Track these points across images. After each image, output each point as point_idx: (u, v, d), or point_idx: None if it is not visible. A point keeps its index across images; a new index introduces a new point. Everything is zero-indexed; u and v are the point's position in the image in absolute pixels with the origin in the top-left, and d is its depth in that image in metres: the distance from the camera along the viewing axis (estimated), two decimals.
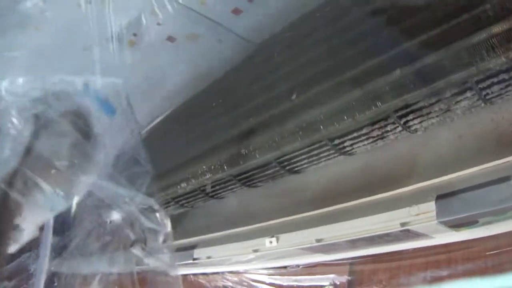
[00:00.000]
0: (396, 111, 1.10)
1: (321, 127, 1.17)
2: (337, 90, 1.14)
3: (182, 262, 1.73)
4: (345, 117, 1.13)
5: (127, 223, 1.36)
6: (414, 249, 1.35)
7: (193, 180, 1.53)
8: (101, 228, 1.66)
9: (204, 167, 1.48)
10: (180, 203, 1.71)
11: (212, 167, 1.45)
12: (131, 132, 1.31)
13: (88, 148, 1.21)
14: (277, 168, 1.38)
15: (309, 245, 1.37)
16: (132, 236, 1.55)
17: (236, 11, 1.67)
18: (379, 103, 1.06)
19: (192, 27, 1.73)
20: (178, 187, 1.59)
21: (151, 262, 1.68)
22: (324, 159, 1.32)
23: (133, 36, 1.76)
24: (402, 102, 1.05)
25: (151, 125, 1.85)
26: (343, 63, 1.16)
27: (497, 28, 0.91)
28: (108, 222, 1.55)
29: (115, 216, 1.50)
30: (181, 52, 1.81)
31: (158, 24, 1.71)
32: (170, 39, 1.78)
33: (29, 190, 1.04)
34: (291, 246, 1.40)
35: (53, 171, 1.10)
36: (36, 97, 1.15)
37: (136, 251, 1.71)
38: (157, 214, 1.30)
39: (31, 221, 1.07)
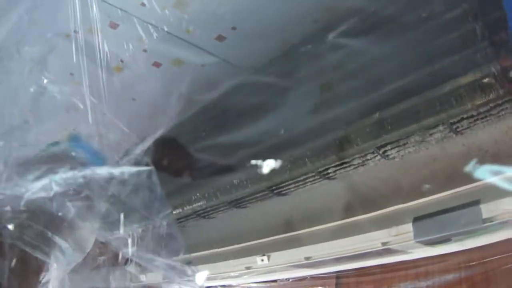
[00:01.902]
0: None
1: (308, 161, 1.27)
2: (322, 128, 1.25)
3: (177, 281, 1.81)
4: (329, 154, 1.23)
5: None
6: (395, 262, 1.46)
7: (187, 206, 1.62)
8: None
9: (198, 194, 1.57)
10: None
11: (206, 194, 1.55)
12: None
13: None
14: (266, 192, 1.48)
15: (298, 263, 1.48)
16: None
17: (220, 38, 1.75)
18: (360, 142, 1.17)
19: (177, 53, 1.81)
20: (172, 212, 1.68)
21: (145, 279, 1.77)
22: (309, 183, 1.42)
23: (120, 62, 1.83)
24: (380, 141, 1.15)
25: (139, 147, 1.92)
26: (327, 103, 1.26)
27: (464, 79, 1.02)
28: None
29: None
30: (166, 76, 1.88)
31: (144, 50, 1.78)
32: (156, 64, 1.85)
33: (50, 249, 1.13)
34: (282, 264, 1.51)
35: (71, 230, 1.20)
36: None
37: (131, 268, 1.80)
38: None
39: (53, 276, 1.15)
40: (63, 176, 1.36)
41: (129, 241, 1.61)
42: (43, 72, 1.48)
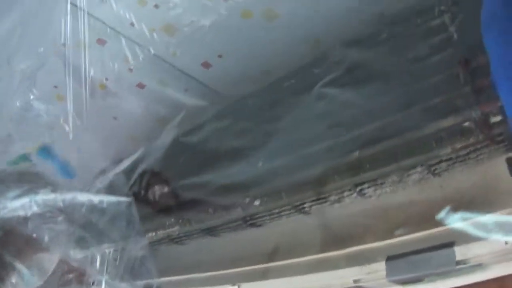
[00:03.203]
0: None
1: (284, 195, 1.28)
2: (300, 164, 1.25)
3: None
4: (306, 189, 1.24)
5: None
6: None
7: (160, 231, 1.61)
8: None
9: (172, 219, 1.56)
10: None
11: (180, 220, 1.54)
12: None
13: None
14: (240, 223, 1.47)
15: None
16: None
17: (206, 65, 1.76)
18: (338, 179, 1.18)
19: (161, 75, 1.81)
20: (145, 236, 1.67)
21: None
22: (284, 216, 1.42)
23: (105, 80, 1.83)
24: (358, 179, 1.16)
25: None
26: (306, 139, 1.27)
27: (445, 123, 1.03)
28: None
29: None
30: (149, 98, 1.88)
31: (130, 70, 1.78)
32: (140, 85, 1.85)
33: (8, 275, 1.12)
34: None
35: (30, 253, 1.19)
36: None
37: None
38: None
39: None
40: (44, 198, 1.36)
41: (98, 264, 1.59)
42: (31, 88, 1.48)
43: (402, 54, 1.18)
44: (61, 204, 1.41)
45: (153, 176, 1.61)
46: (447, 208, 1.25)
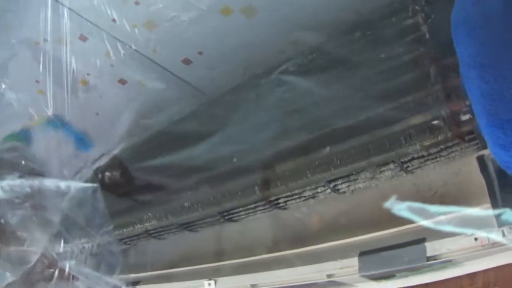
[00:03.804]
0: None
1: (257, 190, 1.29)
2: (273, 159, 1.27)
3: None
4: (279, 184, 1.26)
5: None
6: None
7: (138, 225, 1.62)
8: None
9: (149, 214, 1.58)
10: (123, 241, 1.79)
11: (157, 214, 1.55)
12: None
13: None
14: (217, 217, 1.49)
15: None
16: None
17: (186, 61, 1.77)
18: (309, 174, 1.20)
19: (142, 72, 1.82)
20: (124, 230, 1.67)
21: None
22: (260, 212, 1.44)
23: (87, 76, 1.83)
24: (329, 175, 1.18)
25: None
26: (280, 134, 1.29)
27: (414, 120, 1.05)
28: None
29: None
30: (131, 94, 1.89)
31: (111, 66, 1.79)
32: (121, 81, 1.86)
33: None
34: None
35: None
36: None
37: (79, 283, 1.78)
38: None
39: None
40: (10, 183, 1.36)
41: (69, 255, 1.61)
42: (3, 78, 1.48)
43: (375, 52, 1.20)
44: (28, 189, 1.41)
45: (111, 161, 1.62)
46: (394, 197, 1.29)
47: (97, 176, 1.60)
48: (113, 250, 1.51)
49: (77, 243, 1.59)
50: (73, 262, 1.53)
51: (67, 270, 1.59)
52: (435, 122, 1.04)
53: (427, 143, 1.06)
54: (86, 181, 1.46)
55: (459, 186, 1.26)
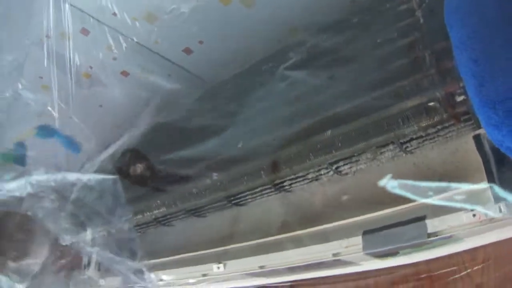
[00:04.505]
0: None
1: (263, 174, 1.34)
2: (277, 143, 1.31)
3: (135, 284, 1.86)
4: (284, 167, 1.30)
5: None
6: (346, 273, 1.52)
7: (147, 212, 1.67)
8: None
9: (158, 201, 1.62)
10: (136, 226, 1.85)
11: (166, 201, 1.60)
12: None
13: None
14: (224, 202, 1.53)
15: (252, 271, 1.53)
16: None
17: (187, 51, 1.81)
18: (312, 157, 1.24)
19: (145, 63, 1.86)
20: (134, 217, 1.72)
21: (105, 283, 1.81)
22: (266, 195, 1.48)
23: (90, 69, 1.87)
24: (331, 157, 1.23)
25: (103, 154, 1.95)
26: (283, 120, 1.33)
27: (411, 102, 1.09)
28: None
29: None
30: (134, 85, 1.92)
31: (114, 59, 1.82)
32: (124, 73, 1.90)
33: None
34: (237, 272, 1.56)
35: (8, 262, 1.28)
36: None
37: (90, 272, 1.84)
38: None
39: None
40: (37, 178, 1.44)
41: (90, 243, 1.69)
42: (19, 78, 1.54)
43: (371, 38, 1.24)
44: (52, 183, 1.52)
45: (133, 154, 1.67)
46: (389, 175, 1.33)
47: (118, 168, 1.66)
48: (133, 237, 1.59)
49: (100, 230, 1.66)
50: (96, 248, 1.61)
51: (93, 257, 1.67)
52: (431, 103, 1.07)
53: (423, 124, 1.10)
54: (106, 173, 1.53)
55: (457, 164, 1.29)
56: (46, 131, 1.76)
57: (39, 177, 1.54)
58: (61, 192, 1.56)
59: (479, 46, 0.96)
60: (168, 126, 1.74)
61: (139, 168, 1.67)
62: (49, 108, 1.61)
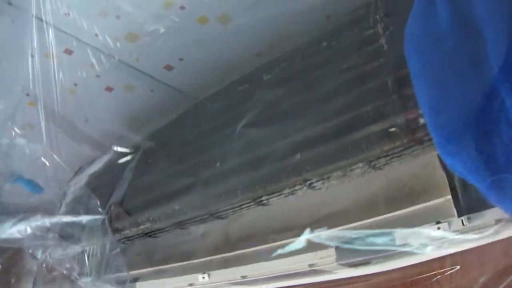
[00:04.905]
0: None
1: (239, 194, 1.41)
2: (250, 165, 1.38)
3: None
4: (257, 188, 1.37)
5: None
6: (323, 281, 1.60)
7: (133, 228, 1.74)
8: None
9: (144, 217, 1.69)
10: (121, 241, 1.91)
11: (151, 218, 1.66)
12: None
13: None
14: (206, 216, 1.60)
15: (235, 281, 1.61)
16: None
17: (168, 67, 1.87)
18: (283, 179, 1.31)
19: (127, 79, 1.92)
20: (121, 232, 1.79)
21: None
22: (245, 209, 1.55)
23: (74, 86, 1.93)
24: (301, 179, 1.30)
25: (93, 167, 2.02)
26: (253, 142, 1.40)
27: (374, 128, 1.16)
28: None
29: None
30: (118, 100, 1.99)
31: (97, 76, 1.88)
32: (108, 89, 1.96)
33: None
34: (221, 281, 1.64)
35: None
36: None
37: (82, 282, 1.92)
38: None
39: None
40: (36, 223, 1.83)
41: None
42: (13, 126, 1.69)
43: (338, 63, 1.30)
44: (48, 225, 1.83)
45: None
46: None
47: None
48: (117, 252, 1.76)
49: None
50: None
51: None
52: (392, 129, 1.14)
53: (386, 148, 1.16)
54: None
55: (426, 178, 1.34)
56: (11, 175, 1.94)
57: (36, 221, 1.83)
58: (56, 230, 1.77)
59: (433, 78, 1.03)
60: (151, 140, 1.81)
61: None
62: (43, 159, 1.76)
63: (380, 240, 1.32)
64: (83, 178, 1.94)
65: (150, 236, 1.84)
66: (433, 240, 1.26)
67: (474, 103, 0.97)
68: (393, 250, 1.30)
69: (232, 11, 1.65)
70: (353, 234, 1.37)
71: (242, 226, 1.66)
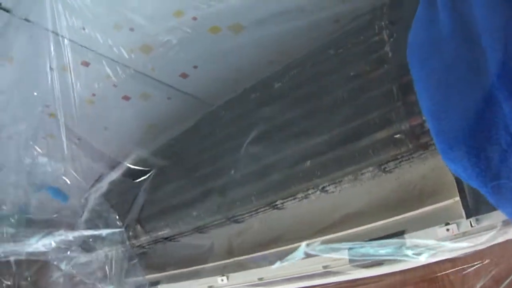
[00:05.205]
0: None
1: (253, 199, 1.45)
2: (263, 172, 1.42)
3: None
4: (270, 194, 1.41)
5: None
6: (338, 282, 1.63)
7: (154, 233, 1.80)
8: None
9: (162, 223, 1.75)
10: (142, 246, 1.98)
11: (170, 224, 1.72)
12: None
13: None
14: (224, 220, 1.65)
15: (253, 283, 1.65)
16: None
17: (184, 75, 1.92)
18: (295, 185, 1.35)
19: (144, 88, 1.97)
20: (141, 238, 1.85)
21: None
22: (261, 213, 1.59)
23: (92, 96, 1.99)
24: (311, 185, 1.34)
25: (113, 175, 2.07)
26: (266, 150, 1.44)
27: (380, 135, 1.19)
28: None
29: None
30: (135, 108, 2.04)
31: (114, 85, 1.94)
32: (125, 98, 2.01)
33: None
34: (239, 283, 1.68)
35: None
36: None
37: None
38: None
39: None
40: (59, 237, 1.99)
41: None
42: (34, 146, 1.80)
43: (345, 70, 1.33)
44: (71, 238, 1.98)
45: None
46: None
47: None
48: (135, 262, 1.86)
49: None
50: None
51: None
52: (397, 136, 1.17)
53: (392, 153, 1.20)
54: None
55: (436, 180, 1.37)
56: (37, 186, 2.05)
57: (60, 236, 2.00)
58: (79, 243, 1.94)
59: (434, 85, 1.05)
60: (168, 148, 1.86)
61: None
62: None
63: (390, 242, 1.35)
64: (103, 185, 1.99)
65: (171, 240, 1.90)
66: (442, 241, 1.29)
67: (474, 110, 0.99)
68: (402, 252, 1.33)
69: (244, 21, 1.68)
70: (366, 235, 1.41)
71: (259, 229, 1.71)
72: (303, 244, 1.39)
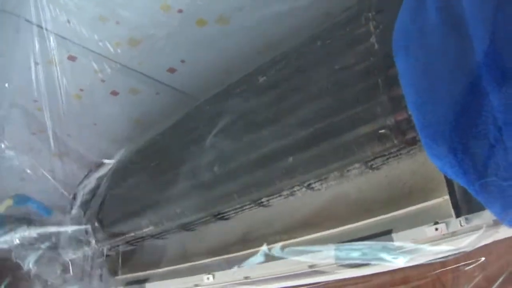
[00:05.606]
0: None
1: (235, 197, 1.41)
2: (248, 168, 1.38)
3: None
4: (253, 191, 1.37)
5: None
6: (325, 281, 1.59)
7: (138, 231, 1.76)
8: None
9: (147, 220, 1.71)
10: (130, 243, 1.94)
11: (155, 221, 1.68)
12: None
13: None
14: (208, 218, 1.61)
15: (239, 281, 1.61)
16: None
17: (171, 70, 1.88)
18: (277, 182, 1.31)
19: (132, 83, 1.94)
20: (126, 235, 1.82)
21: None
22: (246, 210, 1.55)
23: (80, 91, 1.95)
24: (294, 181, 1.29)
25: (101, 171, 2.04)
26: (250, 144, 1.39)
27: (364, 129, 1.15)
28: None
29: None
30: (124, 103, 2.01)
31: (102, 81, 1.90)
32: (114, 93, 1.98)
33: None
34: (225, 282, 1.64)
35: None
36: None
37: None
38: None
39: None
40: (22, 234, 1.97)
41: None
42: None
43: (331, 63, 1.28)
44: (35, 235, 1.97)
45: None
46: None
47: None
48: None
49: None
50: None
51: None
52: (382, 131, 1.12)
53: (377, 150, 1.15)
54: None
55: (425, 176, 1.33)
56: (21, 199, 2.06)
57: (23, 232, 1.98)
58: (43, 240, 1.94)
59: (419, 75, 1.01)
60: (154, 144, 1.83)
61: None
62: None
63: (377, 241, 1.31)
64: (91, 181, 1.96)
65: (157, 238, 1.86)
66: (430, 241, 1.25)
67: (461, 102, 0.95)
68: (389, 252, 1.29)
69: (228, 11, 1.64)
70: (353, 234, 1.37)
71: (244, 227, 1.67)
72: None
